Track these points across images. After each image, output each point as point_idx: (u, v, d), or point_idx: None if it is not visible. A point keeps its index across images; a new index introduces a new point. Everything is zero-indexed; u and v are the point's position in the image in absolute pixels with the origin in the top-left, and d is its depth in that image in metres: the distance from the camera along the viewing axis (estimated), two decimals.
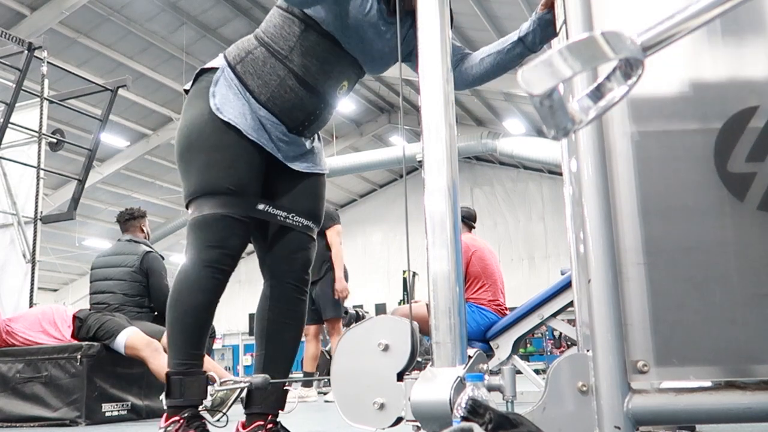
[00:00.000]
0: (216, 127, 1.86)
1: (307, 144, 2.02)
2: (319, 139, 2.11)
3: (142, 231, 4.71)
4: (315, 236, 2.06)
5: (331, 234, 5.51)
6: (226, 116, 1.85)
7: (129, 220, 4.69)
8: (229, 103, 1.87)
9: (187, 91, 1.99)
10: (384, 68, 2.01)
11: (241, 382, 1.92)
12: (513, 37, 1.85)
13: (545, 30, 1.79)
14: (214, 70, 1.93)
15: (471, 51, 1.98)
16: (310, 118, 1.95)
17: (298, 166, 1.99)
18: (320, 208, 2.08)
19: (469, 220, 4.80)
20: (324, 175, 2.10)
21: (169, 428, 1.84)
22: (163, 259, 4.58)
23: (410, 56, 1.97)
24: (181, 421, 1.85)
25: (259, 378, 1.90)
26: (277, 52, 1.88)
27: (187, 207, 1.92)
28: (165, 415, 1.88)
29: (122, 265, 4.32)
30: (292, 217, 1.98)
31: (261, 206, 1.91)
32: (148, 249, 4.46)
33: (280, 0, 1.93)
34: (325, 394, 7.16)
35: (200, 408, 1.90)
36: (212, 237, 1.85)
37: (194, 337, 1.89)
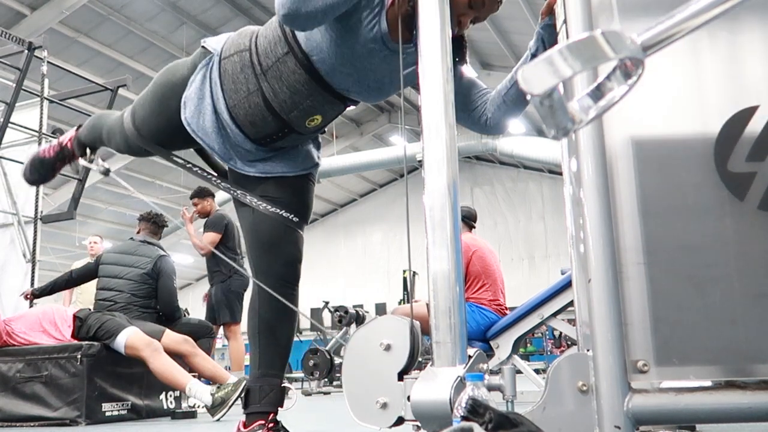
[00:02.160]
0: (176, 103, 1.96)
1: (269, 152, 2.00)
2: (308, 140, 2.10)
3: (158, 236, 4.75)
4: (299, 230, 2.03)
5: (206, 236, 5.82)
6: (184, 114, 1.94)
7: (152, 223, 4.71)
8: (195, 99, 1.93)
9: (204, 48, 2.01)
10: (383, 97, 1.95)
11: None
12: (527, 57, 1.81)
13: (552, 36, 1.76)
14: (209, 53, 1.96)
15: (490, 89, 1.93)
16: (273, 137, 1.94)
17: (248, 170, 1.99)
18: (306, 205, 2.06)
19: (469, 219, 4.80)
20: (307, 174, 2.08)
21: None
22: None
23: (414, 80, 1.92)
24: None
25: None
26: (256, 66, 1.86)
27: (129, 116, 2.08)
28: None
29: (134, 266, 4.33)
30: (257, 203, 1.96)
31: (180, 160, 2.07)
32: (162, 253, 4.48)
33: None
34: (326, 393, 7.16)
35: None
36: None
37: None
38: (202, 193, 6.00)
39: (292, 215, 1.99)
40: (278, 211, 1.97)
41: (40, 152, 2.44)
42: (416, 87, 1.82)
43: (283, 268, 1.99)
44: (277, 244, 1.99)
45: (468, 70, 1.93)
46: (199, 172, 2.11)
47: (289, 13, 1.63)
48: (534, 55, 1.80)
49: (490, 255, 4.61)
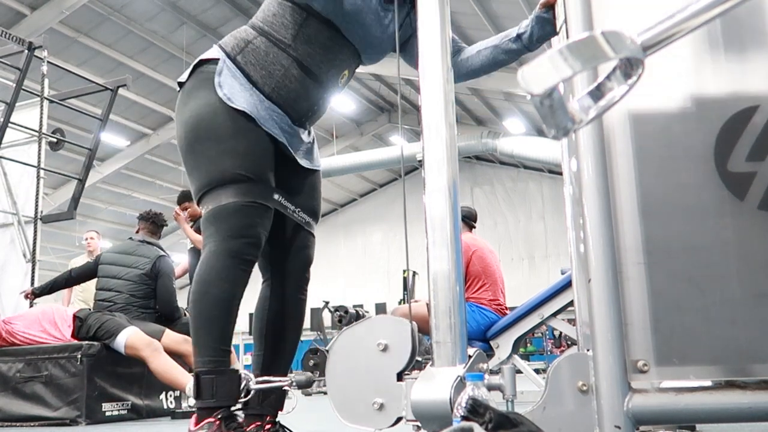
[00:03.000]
0: (228, 116, 1.79)
1: (306, 138, 2.01)
2: (313, 135, 2.10)
3: (158, 235, 4.74)
4: (314, 234, 2.05)
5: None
6: (239, 105, 1.79)
7: (151, 222, 4.70)
8: (237, 92, 1.81)
9: (181, 84, 1.91)
10: (380, 56, 1.99)
11: (280, 381, 1.82)
12: (512, 33, 1.85)
13: (543, 28, 1.78)
14: (213, 62, 1.87)
15: (464, 44, 1.98)
16: (314, 108, 1.94)
17: (303, 162, 1.98)
18: (319, 204, 2.08)
19: (469, 219, 4.80)
20: (319, 171, 2.09)
21: (202, 430, 1.71)
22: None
23: (407, 45, 1.96)
24: (217, 422, 1.70)
25: (302, 377, 1.81)
26: (280, 42, 1.85)
27: (198, 203, 1.83)
28: (195, 417, 1.75)
29: (133, 267, 4.33)
30: (299, 212, 1.97)
31: (276, 196, 1.86)
32: (162, 253, 4.48)
33: None
34: (326, 393, 7.16)
35: (233, 408, 1.76)
36: (235, 226, 1.76)
37: (223, 331, 1.77)
38: (190, 196, 5.93)
39: (309, 218, 2.01)
40: (305, 218, 1.99)
41: None
42: (411, 55, 1.83)
43: (300, 272, 2.02)
44: (301, 249, 2.01)
45: None
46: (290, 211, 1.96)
47: None
48: (519, 36, 1.83)
49: (490, 255, 4.61)
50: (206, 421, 1.71)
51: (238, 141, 1.78)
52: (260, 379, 1.86)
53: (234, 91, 1.81)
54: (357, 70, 2.07)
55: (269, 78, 1.85)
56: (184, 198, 5.64)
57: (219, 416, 1.71)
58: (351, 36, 1.89)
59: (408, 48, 1.98)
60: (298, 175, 1.99)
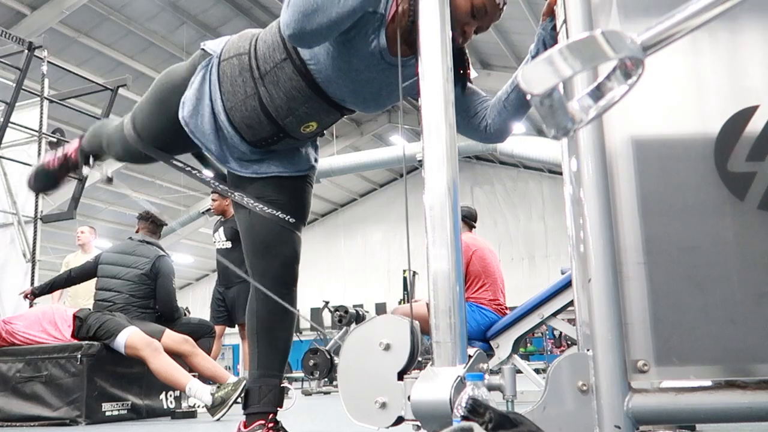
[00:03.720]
0: (175, 103, 1.95)
1: (264, 154, 2.00)
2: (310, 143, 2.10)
3: (157, 235, 4.74)
4: (297, 231, 2.03)
5: None
6: (182, 114, 1.93)
7: (151, 222, 4.70)
8: (193, 99, 1.92)
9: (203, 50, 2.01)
10: (379, 109, 1.96)
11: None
12: (527, 60, 1.82)
13: (553, 37, 1.76)
14: (208, 55, 1.95)
15: (489, 97, 1.94)
16: (269, 140, 1.94)
17: (243, 172, 1.99)
18: (304, 205, 2.06)
19: (469, 219, 4.80)
20: (306, 176, 2.08)
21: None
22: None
23: (412, 92, 1.92)
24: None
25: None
26: (254, 70, 1.86)
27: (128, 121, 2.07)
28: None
29: (133, 267, 4.33)
30: (254, 204, 1.97)
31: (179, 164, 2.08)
32: (161, 253, 4.48)
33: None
34: (326, 393, 7.17)
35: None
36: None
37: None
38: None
39: (289, 216, 1.99)
40: (274, 212, 1.97)
41: (45, 163, 2.44)
42: (413, 98, 1.83)
43: (280, 269, 1.99)
44: (273, 245, 1.98)
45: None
46: (197, 174, 2.12)
47: (294, 33, 1.63)
48: (534, 57, 1.80)
49: (490, 255, 4.61)
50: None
51: (166, 123, 1.99)
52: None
53: (192, 97, 1.93)
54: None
55: (232, 96, 1.89)
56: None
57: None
58: (333, 92, 1.84)
59: (414, 94, 1.94)
60: (282, 179, 2.02)
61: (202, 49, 1.98)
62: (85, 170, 2.39)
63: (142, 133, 2.04)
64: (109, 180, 2.35)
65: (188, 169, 2.10)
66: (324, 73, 1.80)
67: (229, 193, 2.02)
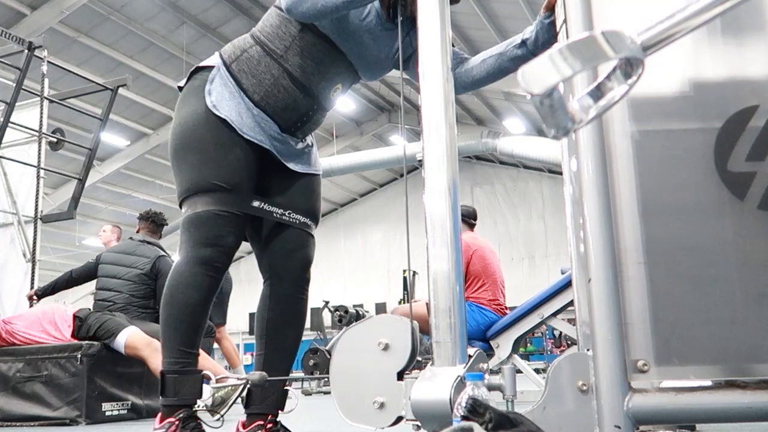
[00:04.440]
0: (211, 125, 1.85)
1: (299, 145, 2.01)
2: (312, 140, 2.11)
3: (158, 235, 4.73)
4: (313, 234, 2.06)
5: None
6: (223, 113, 1.85)
7: (151, 222, 4.69)
8: (225, 100, 1.87)
9: (180, 89, 1.99)
10: (379, 74, 2.00)
11: (237, 379, 1.92)
12: (516, 39, 1.84)
13: (548, 32, 1.77)
14: (209, 69, 1.93)
15: (470, 55, 1.96)
16: (303, 119, 1.95)
17: (293, 166, 1.99)
18: (317, 206, 2.08)
19: (469, 218, 4.80)
20: (318, 175, 2.10)
21: (163, 429, 1.83)
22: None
23: (409, 62, 1.96)
24: (177, 422, 1.83)
25: (256, 375, 1.89)
26: (273, 52, 1.88)
27: (180, 206, 1.91)
28: (160, 414, 1.87)
29: (133, 267, 4.33)
30: (289, 214, 1.98)
31: (256, 203, 1.91)
32: (162, 253, 4.47)
33: (278, 1, 1.91)
34: (326, 393, 7.17)
35: (198, 407, 1.90)
36: (206, 234, 1.84)
37: (188, 335, 1.89)
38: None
39: (308, 219, 2.02)
40: (300, 218, 2.00)
41: None
42: (411, 67, 1.84)
43: (299, 272, 2.02)
44: (296, 249, 2.01)
45: None
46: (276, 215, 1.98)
47: (288, 9, 1.78)
48: (524, 42, 1.81)
49: (491, 255, 4.61)
50: (167, 420, 1.83)
51: (217, 151, 1.85)
52: (219, 376, 1.99)
53: (221, 98, 1.87)
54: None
55: (259, 86, 1.88)
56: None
57: (179, 416, 1.83)
58: (347, 52, 1.90)
59: (410, 64, 1.97)
60: (293, 179, 2.01)
61: (193, 75, 1.95)
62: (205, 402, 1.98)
63: (206, 193, 1.84)
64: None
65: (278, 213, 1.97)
66: (334, 36, 1.86)
67: (275, 215, 1.95)
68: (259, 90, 1.88)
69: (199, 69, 1.96)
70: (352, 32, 1.86)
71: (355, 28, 1.85)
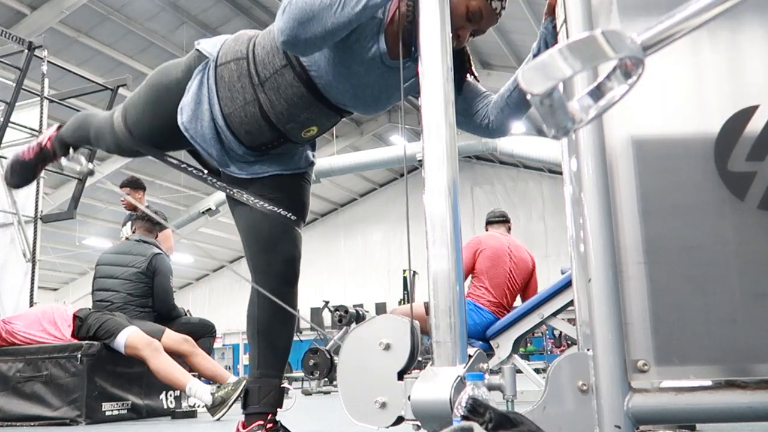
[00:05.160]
0: (173, 107, 1.92)
1: (262, 155, 2.00)
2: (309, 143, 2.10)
3: (153, 234, 4.72)
4: (298, 229, 2.02)
5: (160, 237, 5.09)
6: (181, 120, 1.90)
7: (147, 221, 4.69)
8: (192, 104, 1.90)
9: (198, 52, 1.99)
10: (380, 110, 1.96)
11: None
12: (529, 60, 1.83)
13: (554, 37, 1.76)
14: (204, 57, 1.93)
15: (492, 94, 1.94)
16: (268, 145, 1.94)
17: (243, 174, 1.98)
18: (303, 203, 2.06)
19: (490, 219, 4.79)
20: (305, 173, 2.08)
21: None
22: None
23: (412, 92, 1.88)
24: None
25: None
26: (254, 76, 1.84)
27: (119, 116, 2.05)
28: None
29: (130, 266, 4.33)
30: (254, 201, 1.95)
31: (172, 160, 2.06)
32: (158, 251, 4.47)
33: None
34: (326, 393, 7.17)
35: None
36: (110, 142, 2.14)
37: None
38: (135, 185, 5.53)
39: (290, 213, 1.99)
40: (275, 209, 1.97)
41: (20, 155, 2.39)
42: (414, 97, 1.83)
43: (282, 266, 1.98)
44: (275, 242, 1.98)
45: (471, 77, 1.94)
46: (194, 172, 2.10)
47: (288, 40, 1.63)
48: (535, 56, 1.80)
49: (503, 256, 4.51)
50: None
51: (160, 123, 1.98)
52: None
53: (191, 101, 1.90)
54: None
55: (230, 102, 1.88)
56: (128, 184, 5.46)
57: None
58: (334, 96, 1.84)
59: (414, 94, 1.94)
60: (280, 177, 2.01)
61: (197, 50, 1.95)
62: (64, 161, 2.35)
63: (134, 130, 2.02)
64: (91, 172, 2.32)
65: (183, 166, 2.08)
66: (324, 78, 1.79)
67: (228, 190, 2.00)
68: (230, 105, 1.88)
69: (199, 52, 1.95)
70: (347, 76, 1.78)
71: (355, 72, 1.77)
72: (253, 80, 1.84)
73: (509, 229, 4.86)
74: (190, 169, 2.10)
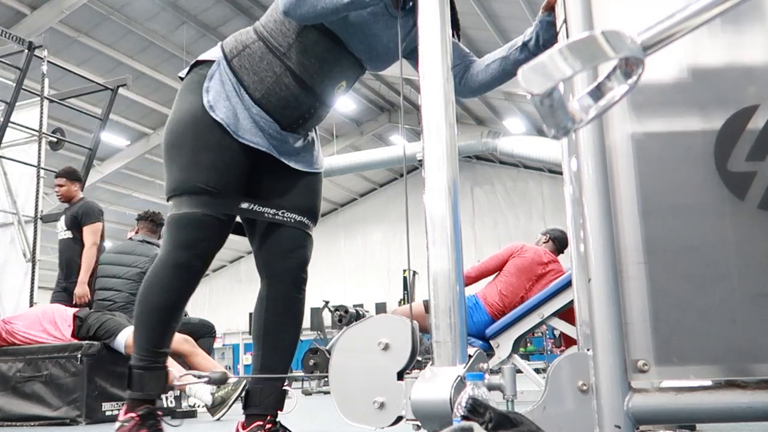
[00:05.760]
0: (205, 125, 1.84)
1: (300, 142, 2.00)
2: (315, 137, 2.09)
3: (157, 235, 4.72)
4: (311, 233, 2.03)
5: (86, 231, 5.09)
6: (218, 115, 1.83)
7: (150, 221, 4.69)
8: (222, 100, 1.85)
9: (182, 79, 1.98)
10: (387, 64, 1.99)
11: (197, 378, 1.95)
12: (517, 42, 1.84)
13: (548, 32, 1.77)
14: (209, 63, 1.91)
15: (476, 57, 1.97)
16: (305, 116, 1.93)
17: (293, 164, 1.98)
18: (316, 204, 2.06)
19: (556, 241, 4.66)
20: (319, 173, 2.08)
21: (124, 424, 1.86)
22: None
23: (413, 53, 1.95)
24: (136, 417, 1.86)
25: (217, 373, 1.97)
26: (276, 48, 1.85)
27: (168, 201, 1.92)
28: (125, 406, 1.91)
29: (132, 266, 4.33)
30: (283, 213, 1.96)
31: (245, 205, 1.90)
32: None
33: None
34: (326, 393, 7.17)
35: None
36: (185, 237, 1.85)
37: (157, 335, 1.92)
38: (71, 175, 5.44)
39: (305, 218, 2.00)
40: (297, 217, 1.98)
41: None
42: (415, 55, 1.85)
43: (297, 271, 2.00)
44: (294, 248, 1.99)
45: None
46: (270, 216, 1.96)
47: (286, 11, 1.77)
48: (525, 44, 1.82)
49: (528, 273, 4.36)
50: (128, 415, 1.87)
51: (208, 153, 1.84)
52: (183, 374, 2.08)
53: (218, 98, 1.85)
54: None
55: (260, 84, 1.86)
56: (64, 174, 5.38)
57: (140, 412, 1.86)
58: (353, 47, 1.88)
59: (415, 55, 1.97)
60: (292, 177, 1.99)
61: (195, 66, 1.94)
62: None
63: (190, 190, 1.84)
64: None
65: (270, 214, 1.96)
66: (339, 31, 1.84)
67: (267, 215, 1.94)
68: (261, 87, 1.86)
69: (199, 63, 1.94)
70: (359, 24, 1.83)
71: (362, 19, 1.82)
72: (276, 53, 1.86)
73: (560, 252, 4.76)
74: (270, 214, 1.96)
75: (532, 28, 1.81)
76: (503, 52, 1.89)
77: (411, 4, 1.81)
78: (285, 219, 1.96)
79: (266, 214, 1.94)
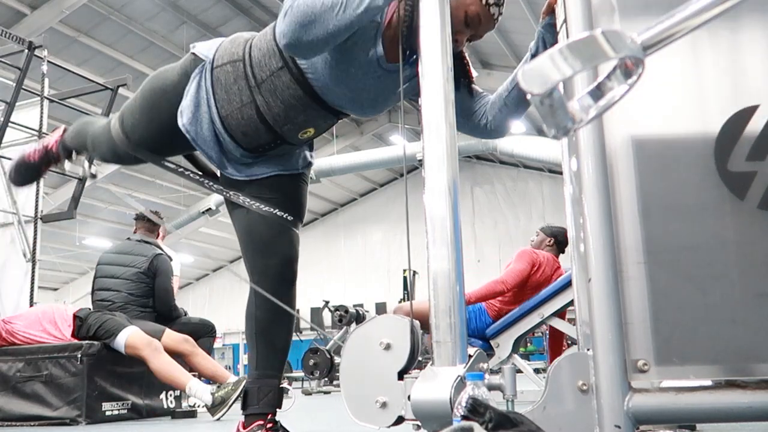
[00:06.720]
0: (173, 111, 1.91)
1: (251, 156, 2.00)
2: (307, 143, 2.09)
3: (155, 234, 4.72)
4: (295, 229, 2.02)
5: None
6: (182, 122, 1.89)
7: (148, 221, 4.69)
8: (193, 107, 1.89)
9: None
10: (377, 113, 1.96)
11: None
12: (527, 59, 1.83)
13: (553, 36, 1.76)
14: (200, 60, 1.92)
15: (489, 94, 1.95)
16: (265, 147, 1.94)
17: (238, 175, 1.98)
18: (300, 204, 2.06)
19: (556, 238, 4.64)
20: (303, 174, 2.08)
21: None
22: (171, 260, 4.59)
23: (410, 94, 1.87)
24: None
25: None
26: (250, 78, 1.84)
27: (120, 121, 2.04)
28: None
29: (131, 266, 4.33)
30: (250, 203, 1.95)
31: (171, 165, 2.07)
32: (159, 252, 4.47)
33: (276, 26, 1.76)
34: (326, 393, 7.17)
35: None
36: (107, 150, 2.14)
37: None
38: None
39: (287, 214, 1.99)
40: (272, 210, 1.96)
41: (26, 155, 2.43)
42: (412, 99, 1.82)
43: (279, 267, 1.98)
44: (273, 243, 1.98)
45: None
46: (191, 175, 2.11)
47: (290, 42, 1.63)
48: (534, 56, 1.80)
49: (538, 289, 4.33)
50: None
51: (158, 127, 1.98)
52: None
53: (191, 104, 1.90)
54: None
55: (227, 104, 1.87)
56: None
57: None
58: (331, 99, 1.84)
59: (415, 97, 1.93)
60: (277, 178, 2.01)
61: (193, 54, 1.95)
62: (67, 165, 2.40)
63: (131, 136, 2.02)
64: (93, 176, 2.35)
65: (180, 170, 2.09)
66: (322, 81, 1.79)
67: (225, 193, 2.00)
68: (227, 107, 1.87)
69: (195, 56, 1.94)
70: (344, 80, 1.78)
71: (351, 77, 1.77)
72: (249, 82, 1.84)
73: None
74: (187, 173, 2.11)
75: (535, 40, 1.80)
76: (509, 85, 1.88)
77: (414, 57, 1.68)
78: (256, 207, 1.96)
79: (226, 193, 2.00)
